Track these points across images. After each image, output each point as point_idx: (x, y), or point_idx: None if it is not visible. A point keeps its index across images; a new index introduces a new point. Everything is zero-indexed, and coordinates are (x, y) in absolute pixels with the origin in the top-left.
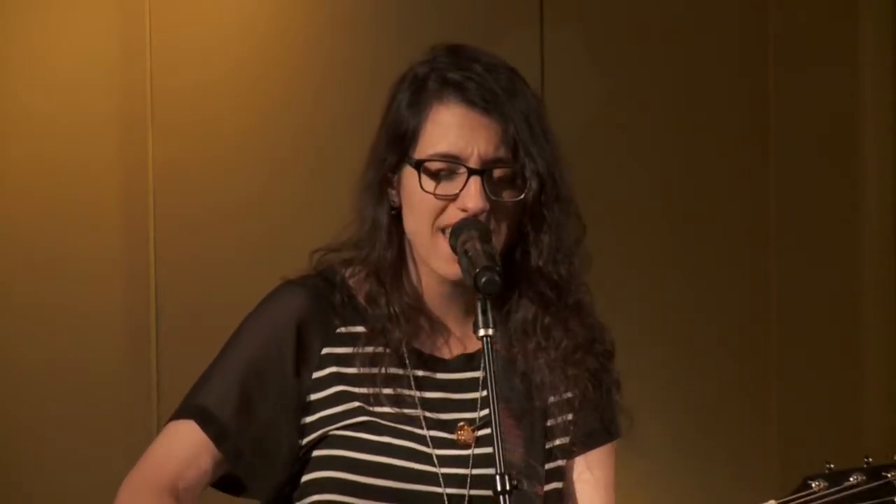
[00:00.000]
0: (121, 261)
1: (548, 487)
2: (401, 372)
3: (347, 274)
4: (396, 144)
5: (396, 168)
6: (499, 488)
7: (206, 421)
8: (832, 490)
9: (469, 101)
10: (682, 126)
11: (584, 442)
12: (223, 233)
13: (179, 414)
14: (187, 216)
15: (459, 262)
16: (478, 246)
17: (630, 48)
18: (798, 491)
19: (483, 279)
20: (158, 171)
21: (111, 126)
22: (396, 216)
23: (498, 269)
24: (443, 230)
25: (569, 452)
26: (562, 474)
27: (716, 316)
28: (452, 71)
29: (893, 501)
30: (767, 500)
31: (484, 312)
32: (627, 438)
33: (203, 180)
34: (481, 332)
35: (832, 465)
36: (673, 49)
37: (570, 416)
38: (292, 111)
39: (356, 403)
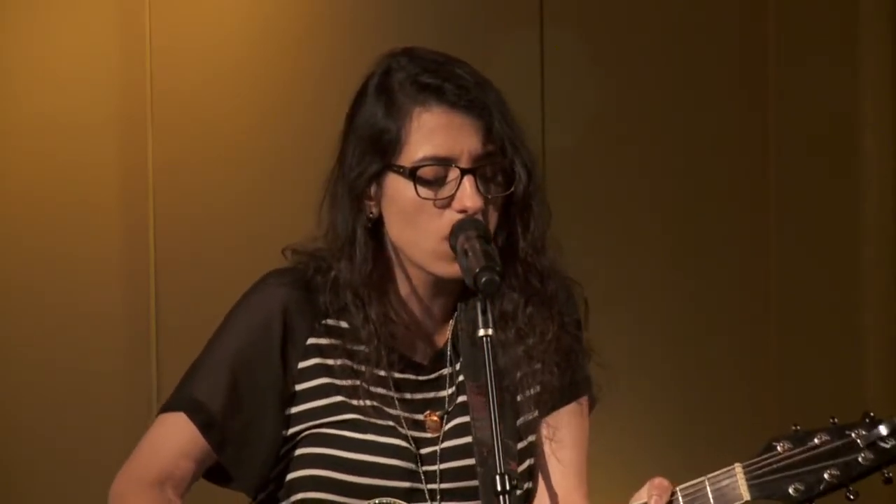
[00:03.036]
0: (121, 261)
1: (523, 466)
2: (382, 373)
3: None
4: (377, 154)
5: (376, 178)
6: (498, 488)
7: (196, 412)
8: (797, 451)
9: (450, 102)
10: (682, 126)
11: (547, 406)
12: (223, 233)
13: (170, 405)
14: (187, 216)
15: (459, 262)
16: (477, 246)
17: (630, 48)
18: (763, 453)
19: (483, 279)
20: (158, 171)
21: (111, 126)
22: (373, 227)
23: (498, 269)
24: (445, 237)
25: (535, 423)
26: (532, 451)
27: (716, 316)
28: (424, 74)
29: (857, 460)
30: (738, 470)
31: (484, 312)
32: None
33: (203, 180)
34: (481, 332)
35: (799, 427)
36: (673, 49)
37: (536, 389)
38: (292, 111)
39: (339, 398)
